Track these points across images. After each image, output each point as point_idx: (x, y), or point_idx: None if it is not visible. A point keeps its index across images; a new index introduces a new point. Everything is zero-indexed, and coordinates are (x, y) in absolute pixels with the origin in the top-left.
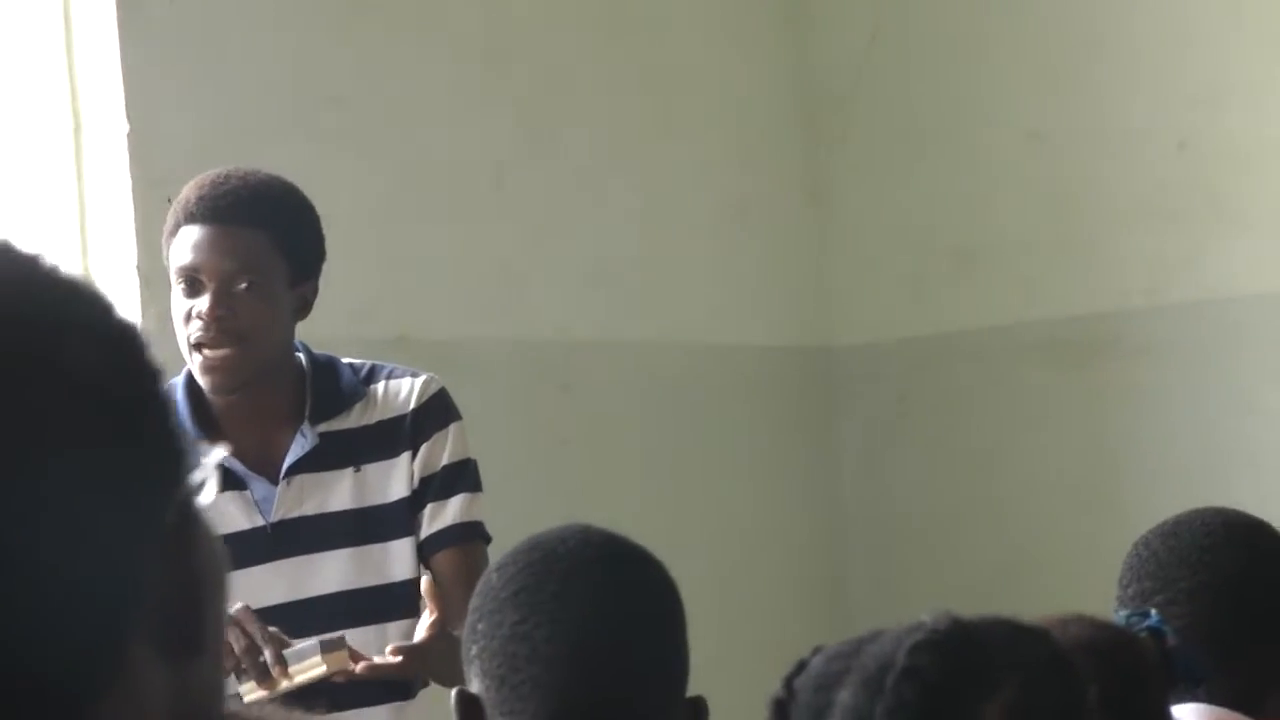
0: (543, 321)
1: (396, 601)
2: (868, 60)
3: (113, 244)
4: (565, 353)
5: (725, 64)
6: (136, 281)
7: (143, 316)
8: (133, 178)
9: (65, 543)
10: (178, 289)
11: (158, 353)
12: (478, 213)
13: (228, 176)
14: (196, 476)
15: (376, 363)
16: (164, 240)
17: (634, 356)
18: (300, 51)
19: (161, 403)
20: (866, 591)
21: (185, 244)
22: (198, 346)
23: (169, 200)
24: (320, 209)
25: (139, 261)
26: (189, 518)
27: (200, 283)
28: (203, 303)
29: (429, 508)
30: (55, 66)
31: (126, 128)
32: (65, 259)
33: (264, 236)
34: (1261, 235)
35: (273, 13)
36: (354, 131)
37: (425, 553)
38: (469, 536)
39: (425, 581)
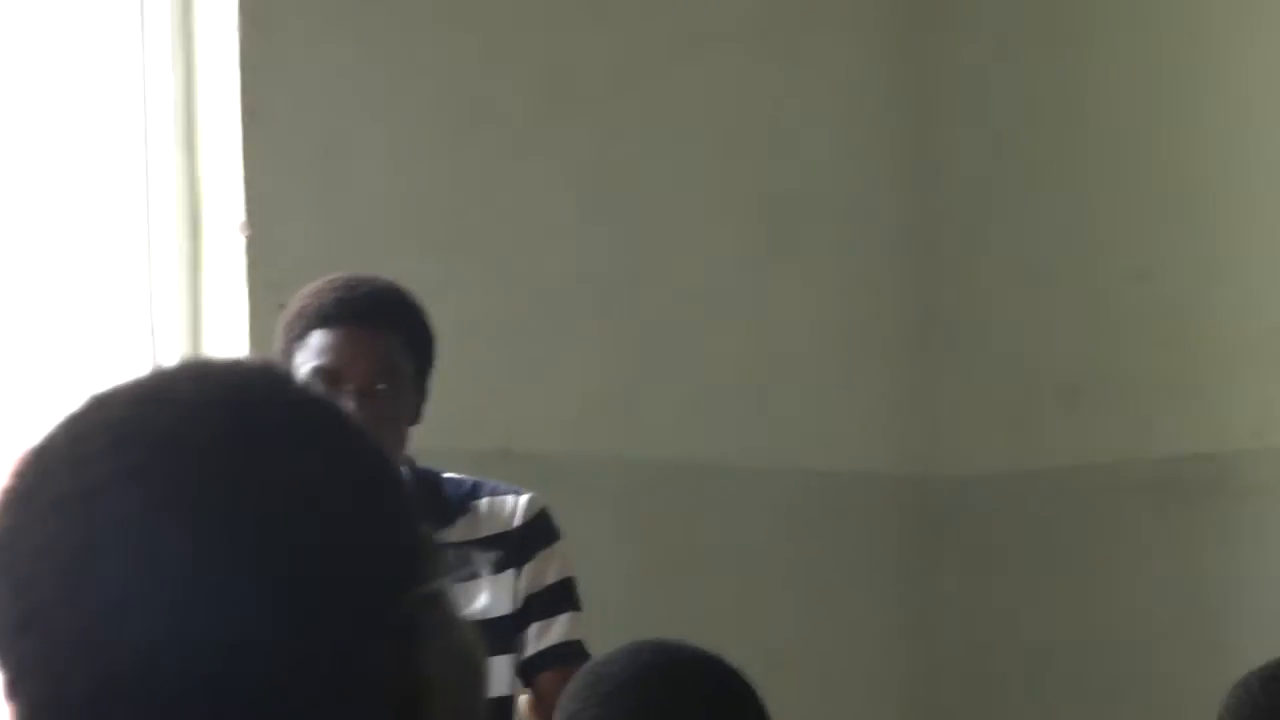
0: (648, 441)
1: (492, 718)
2: (984, 194)
3: (227, 347)
4: (669, 474)
5: (841, 189)
6: None
7: None
8: (249, 282)
9: (293, 629)
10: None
11: None
12: (587, 328)
13: (358, 281)
14: (432, 579)
15: (480, 478)
16: (284, 344)
17: (737, 480)
18: (418, 163)
19: (393, 511)
20: None
21: (321, 346)
22: None
23: (280, 306)
24: (431, 319)
25: None
26: (423, 618)
27: (338, 385)
28: (344, 405)
29: (534, 627)
30: (177, 166)
31: (247, 232)
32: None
33: (398, 340)
34: None
35: (392, 125)
36: (466, 244)
37: (528, 671)
38: (572, 657)
39: (525, 700)
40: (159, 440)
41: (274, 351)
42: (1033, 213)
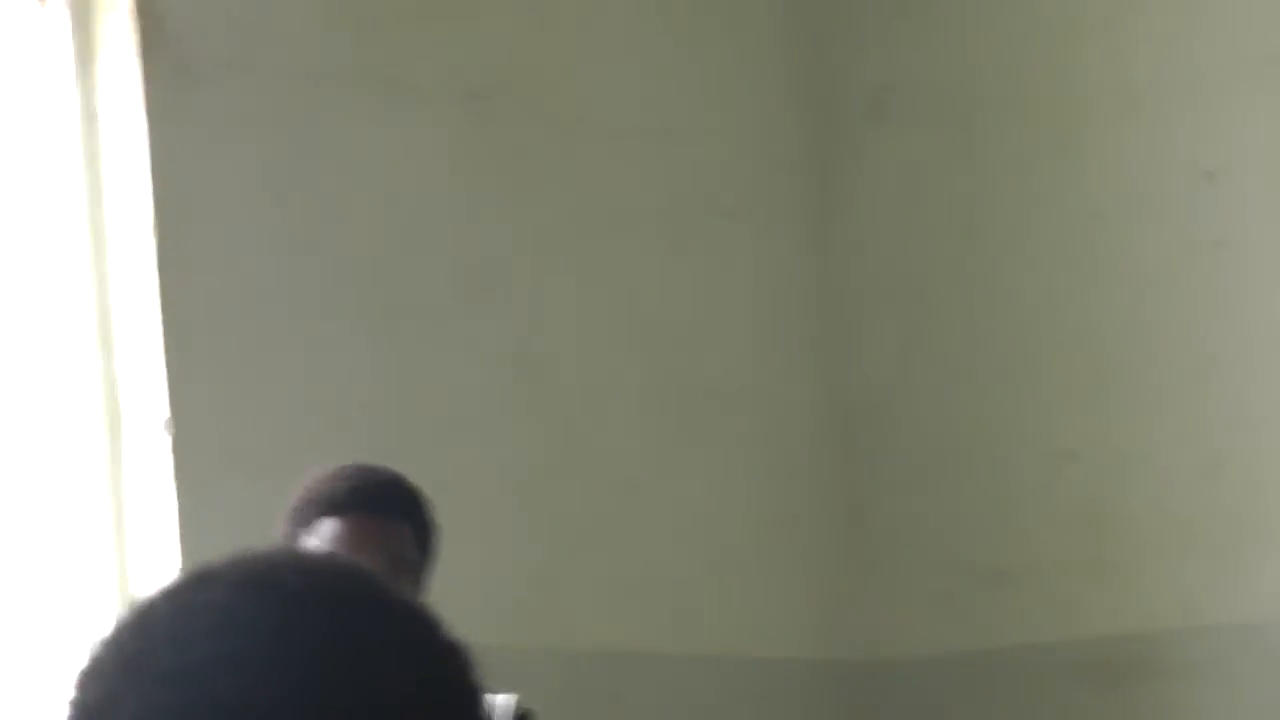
0: (578, 631)
1: None
2: (902, 376)
3: (151, 541)
4: (601, 663)
5: (761, 379)
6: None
7: None
8: (176, 475)
9: None
10: None
11: None
12: (510, 521)
13: (368, 471)
14: None
15: None
16: (290, 530)
17: (668, 668)
18: (334, 362)
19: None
20: None
21: (332, 535)
22: None
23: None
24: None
25: (182, 561)
26: None
27: None
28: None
29: None
30: (94, 365)
31: (171, 428)
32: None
33: (408, 531)
34: None
35: (310, 316)
36: (389, 438)
37: None
38: None
39: None
40: (263, 631)
41: (278, 536)
42: (953, 397)
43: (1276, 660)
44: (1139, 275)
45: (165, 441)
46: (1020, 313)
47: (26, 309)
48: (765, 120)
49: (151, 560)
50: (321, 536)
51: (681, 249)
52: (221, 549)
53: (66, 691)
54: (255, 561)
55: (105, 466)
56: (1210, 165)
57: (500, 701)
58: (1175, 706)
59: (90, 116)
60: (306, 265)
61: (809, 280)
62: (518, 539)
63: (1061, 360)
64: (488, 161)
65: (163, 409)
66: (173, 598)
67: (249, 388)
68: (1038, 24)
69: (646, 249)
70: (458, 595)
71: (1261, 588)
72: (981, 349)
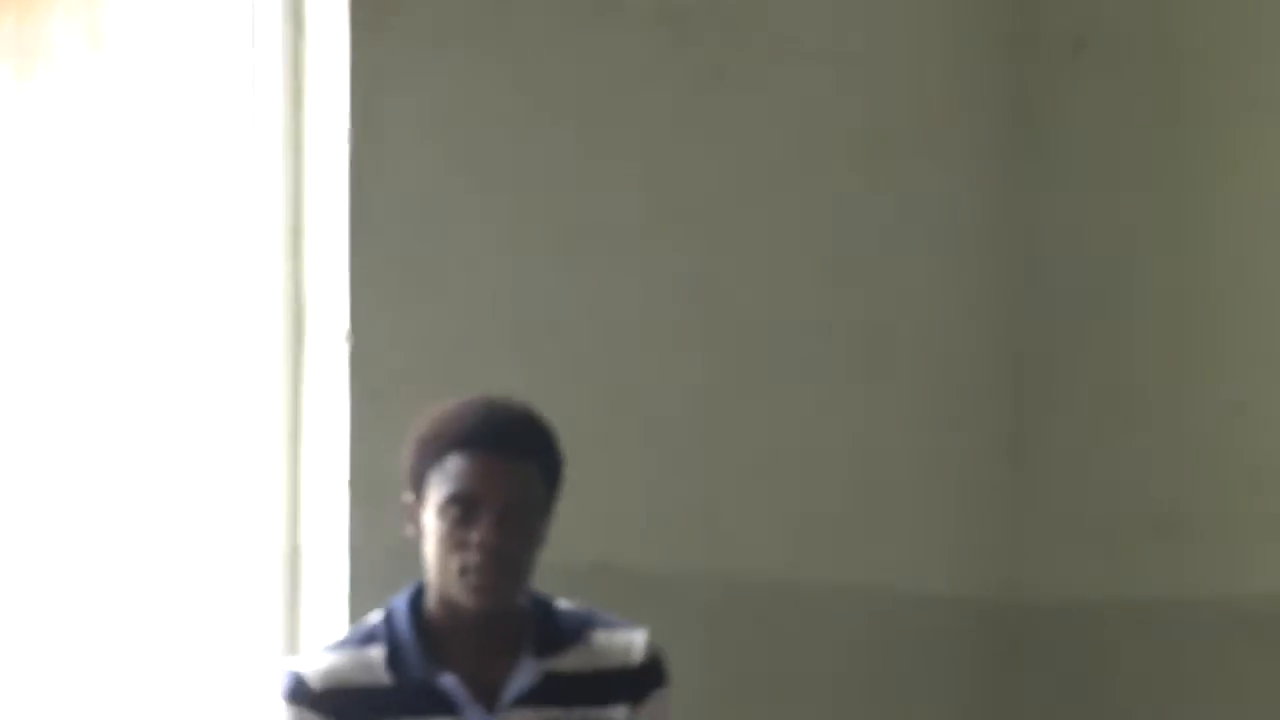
0: (741, 558)
1: None
2: (1079, 322)
3: (327, 451)
4: (761, 591)
5: (938, 316)
6: (347, 495)
7: (350, 526)
8: (351, 389)
9: None
10: (447, 514)
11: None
12: (684, 444)
13: (499, 406)
14: None
15: (591, 609)
16: (417, 463)
17: (827, 599)
18: (523, 275)
19: None
20: None
21: (460, 471)
22: (466, 571)
23: (379, 415)
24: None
25: (351, 474)
26: None
27: (478, 510)
28: (481, 531)
29: None
30: (283, 271)
31: (350, 340)
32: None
33: (535, 468)
34: None
35: (496, 237)
36: (567, 357)
37: None
38: None
39: None
40: None
41: (402, 470)
42: (1128, 344)
43: None
44: None
45: (344, 353)
46: (1203, 264)
47: (221, 213)
48: (965, 53)
49: (324, 468)
50: (448, 472)
51: (872, 182)
52: (390, 462)
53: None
54: None
55: (286, 374)
56: None
57: (641, 640)
58: None
59: (297, 27)
60: (497, 185)
61: (995, 220)
62: (686, 464)
63: (1240, 312)
64: (683, 83)
65: (343, 321)
66: None
67: (430, 305)
68: None
69: (837, 180)
70: (623, 516)
71: None
72: (1161, 297)
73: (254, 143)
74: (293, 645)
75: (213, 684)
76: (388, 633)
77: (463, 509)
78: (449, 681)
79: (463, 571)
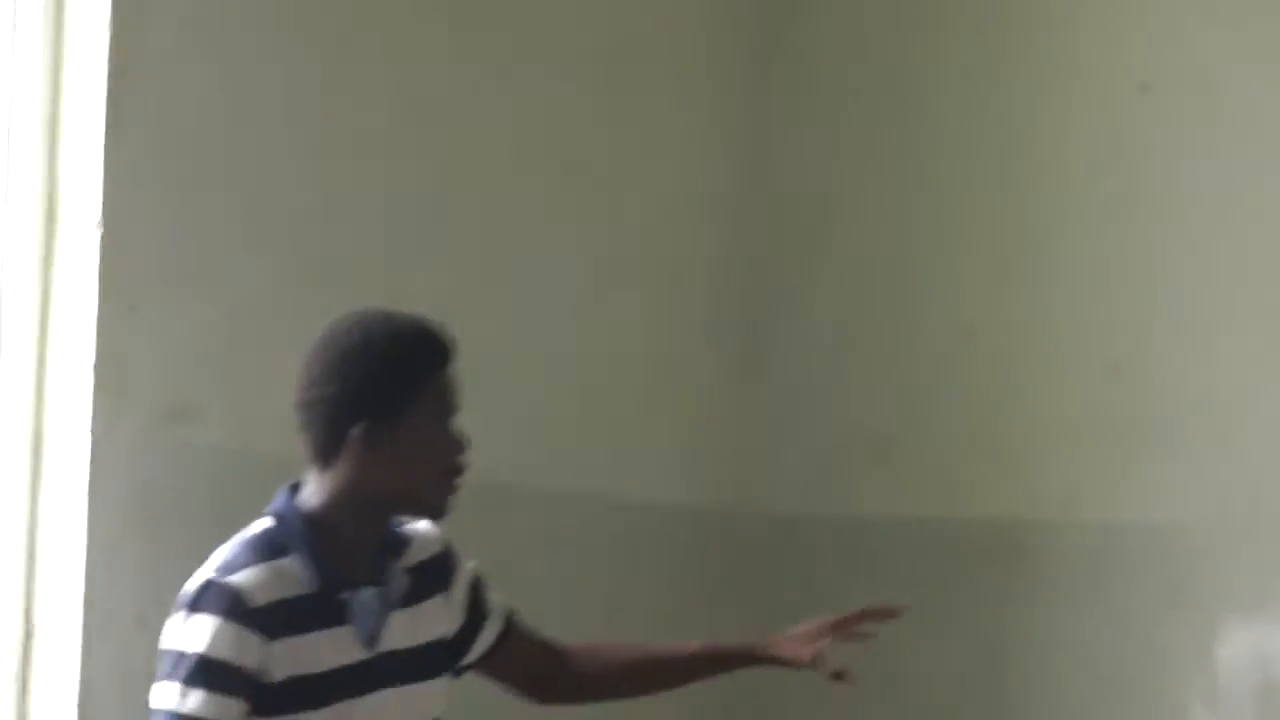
0: (473, 459)
1: None
2: (812, 240)
3: (73, 339)
4: (489, 494)
5: (676, 229)
6: (91, 382)
7: (93, 413)
8: (100, 275)
9: None
10: (451, 422)
11: None
12: None
13: (419, 314)
14: None
15: None
16: (391, 383)
17: (556, 504)
18: (267, 178)
19: None
20: None
21: (453, 382)
22: (457, 472)
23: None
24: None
25: (96, 361)
26: None
27: (456, 419)
28: (464, 438)
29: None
30: (38, 157)
31: (100, 230)
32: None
33: None
34: (1181, 463)
35: (253, 139)
36: (311, 260)
37: (506, 636)
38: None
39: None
40: None
41: (356, 395)
42: (862, 263)
43: (1142, 561)
44: (1065, 174)
45: (94, 240)
46: (941, 187)
47: None
48: None
49: (70, 355)
50: (444, 384)
51: (614, 88)
52: (138, 352)
53: None
54: None
55: (38, 260)
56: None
57: (433, 529)
58: (1039, 595)
59: None
60: (254, 86)
61: (736, 132)
62: None
63: (975, 238)
64: None
65: (95, 209)
66: None
67: (183, 199)
68: None
69: (580, 86)
70: None
71: (1140, 491)
72: (896, 219)
73: (13, 30)
74: (33, 529)
75: None
76: (294, 544)
77: (455, 414)
78: (368, 593)
79: (455, 471)
